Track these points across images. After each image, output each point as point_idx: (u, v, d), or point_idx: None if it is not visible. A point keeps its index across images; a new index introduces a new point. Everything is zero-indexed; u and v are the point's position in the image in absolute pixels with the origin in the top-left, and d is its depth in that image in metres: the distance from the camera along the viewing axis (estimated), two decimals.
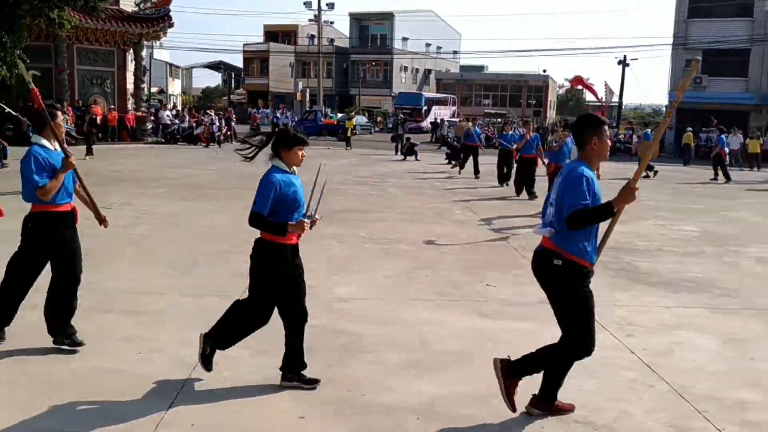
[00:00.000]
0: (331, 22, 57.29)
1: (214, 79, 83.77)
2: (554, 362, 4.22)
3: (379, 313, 6.25)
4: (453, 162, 23.13)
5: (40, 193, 4.71)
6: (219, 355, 5.01)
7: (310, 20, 53.13)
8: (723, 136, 22.70)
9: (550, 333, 5.79)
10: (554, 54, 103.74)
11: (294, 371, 4.54)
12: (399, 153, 27.65)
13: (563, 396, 4.36)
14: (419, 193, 15.78)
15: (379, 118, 57.78)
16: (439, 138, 39.25)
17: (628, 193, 3.87)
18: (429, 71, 71.21)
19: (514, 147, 16.74)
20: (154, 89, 58.72)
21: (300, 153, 4.60)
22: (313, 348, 5.25)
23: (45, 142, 4.90)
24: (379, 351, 5.27)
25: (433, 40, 70.18)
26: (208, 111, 38.44)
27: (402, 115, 40.64)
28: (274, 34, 68.53)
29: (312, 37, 62.47)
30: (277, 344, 5.28)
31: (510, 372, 4.25)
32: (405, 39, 65.16)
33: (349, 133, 32.84)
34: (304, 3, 50.02)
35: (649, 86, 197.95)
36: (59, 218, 4.91)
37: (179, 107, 51.65)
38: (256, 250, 4.52)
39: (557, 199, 4.00)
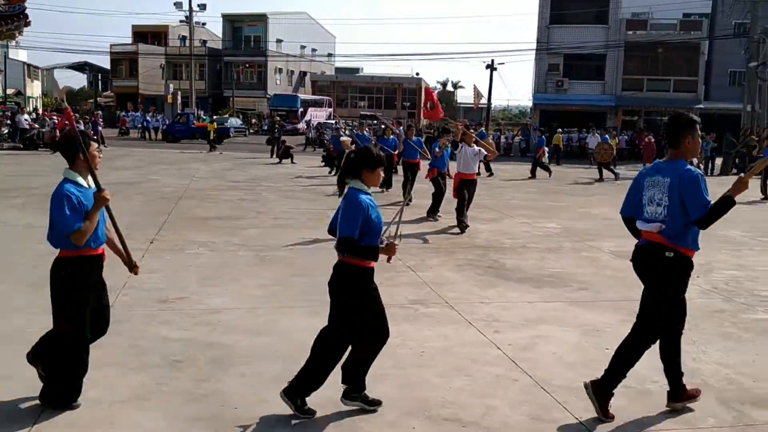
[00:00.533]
0: (203, 24, 55.97)
1: (80, 80, 79.81)
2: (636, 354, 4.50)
3: (254, 323, 6.19)
4: (328, 166, 23.16)
5: (75, 237, 4.14)
6: (88, 374, 4.82)
7: (181, 21, 51.57)
8: (543, 137, 25.57)
9: (423, 334, 5.99)
10: (427, 58, 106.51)
11: (360, 391, 4.42)
12: (274, 156, 27.43)
13: (424, 391, 4.49)
14: (295, 197, 15.73)
15: (253, 120, 57.01)
16: (313, 141, 39.20)
17: (742, 184, 4.19)
18: (304, 73, 71.02)
19: (396, 152, 16.83)
20: (9, 91, 55.16)
21: (381, 174, 4.38)
22: (182, 362, 5.15)
23: (79, 178, 4.37)
24: (254, 363, 5.22)
25: (308, 42, 70.05)
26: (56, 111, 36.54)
27: (278, 118, 40.29)
28: (143, 34, 66.09)
29: (183, 38, 60.81)
30: (143, 361, 5.15)
31: (602, 390, 4.44)
32: (279, 41, 64.67)
33: (211, 137, 32.41)
34: (175, 3, 48.53)
35: (516, 89, 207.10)
36: (94, 263, 4.37)
37: (39, 110, 48.69)
38: (341, 276, 4.29)
39: (673, 198, 4.23)
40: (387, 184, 16.88)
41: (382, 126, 21.50)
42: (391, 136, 18.04)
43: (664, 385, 4.65)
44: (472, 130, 12.59)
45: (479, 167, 15.41)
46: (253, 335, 5.84)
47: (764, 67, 31.93)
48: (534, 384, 4.96)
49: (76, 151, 4.33)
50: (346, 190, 4.34)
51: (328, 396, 4.43)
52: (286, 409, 4.33)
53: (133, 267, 4.73)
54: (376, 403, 4.44)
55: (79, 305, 4.24)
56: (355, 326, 4.30)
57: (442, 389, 4.72)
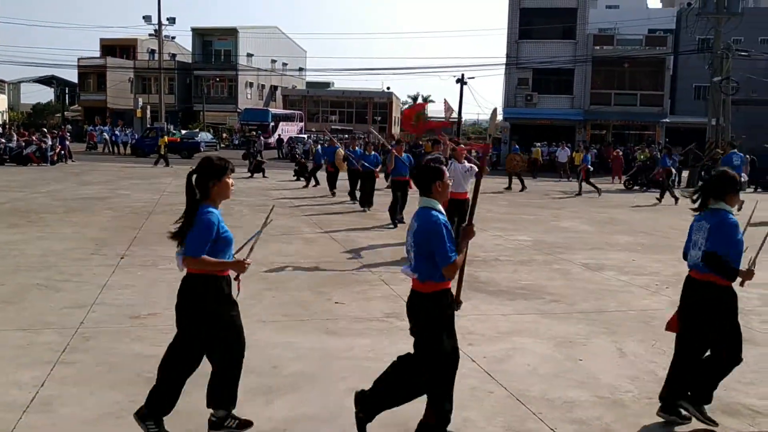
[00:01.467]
0: (173, 37, 55.57)
1: (46, 94, 78.72)
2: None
3: None
4: (302, 179, 23.16)
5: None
6: (56, 393, 4.75)
7: (150, 35, 51.23)
8: (516, 147, 26.38)
9: (398, 347, 5.97)
10: (398, 72, 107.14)
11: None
12: (247, 170, 27.31)
13: (408, 407, 4.48)
14: (267, 211, 15.61)
15: (224, 135, 56.71)
16: (287, 155, 39.17)
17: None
18: (275, 87, 70.94)
19: (378, 168, 16.50)
20: None
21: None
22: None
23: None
24: None
25: (279, 56, 70.04)
26: (43, 129, 35.81)
27: (255, 132, 40.09)
28: (111, 48, 65.47)
29: (152, 51, 60.37)
30: (116, 378, 5.07)
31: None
32: (250, 55, 64.55)
33: (162, 151, 31.69)
34: (144, 17, 48.26)
35: (486, 103, 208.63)
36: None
37: (6, 125, 47.90)
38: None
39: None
40: (367, 202, 16.36)
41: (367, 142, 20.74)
42: (372, 152, 17.57)
43: (637, 394, 4.71)
44: (462, 145, 11.62)
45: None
46: None
47: (727, 82, 32.64)
48: (509, 395, 4.98)
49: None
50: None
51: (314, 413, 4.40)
52: (264, 425, 4.30)
53: None
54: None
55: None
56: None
57: (418, 402, 4.69)
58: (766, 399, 5.03)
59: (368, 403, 4.18)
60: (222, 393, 4.11)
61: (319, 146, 27.18)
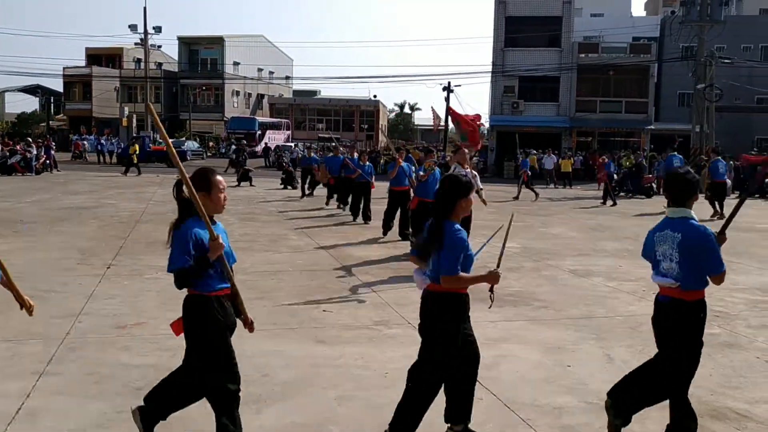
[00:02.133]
0: (159, 46, 55.42)
1: (31, 104, 78.22)
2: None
3: None
4: (289, 187, 23.08)
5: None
6: (42, 404, 4.71)
7: (136, 44, 51.10)
8: (526, 159, 25.31)
9: (386, 355, 5.97)
10: (385, 81, 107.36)
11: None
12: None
13: (390, 412, 4.47)
14: (254, 219, 15.62)
15: (211, 143, 56.56)
16: (274, 163, 39.16)
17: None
18: (262, 96, 70.89)
19: (372, 180, 15.64)
20: None
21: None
22: (143, 389, 5.04)
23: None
24: None
25: (265, 65, 70.05)
26: (28, 139, 35.43)
27: (245, 141, 40.00)
28: (97, 57, 65.25)
29: (138, 60, 60.15)
30: (102, 388, 5.03)
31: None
32: (236, 63, 64.52)
33: (135, 160, 31.19)
34: (129, 26, 48.16)
35: (473, 110, 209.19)
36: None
37: None
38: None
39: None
40: (366, 215, 15.56)
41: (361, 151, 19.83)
42: (367, 163, 16.64)
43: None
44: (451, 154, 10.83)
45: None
46: None
47: (711, 89, 32.98)
48: (499, 402, 4.98)
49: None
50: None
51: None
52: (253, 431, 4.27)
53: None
54: None
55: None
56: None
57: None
58: (752, 403, 5.07)
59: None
60: None
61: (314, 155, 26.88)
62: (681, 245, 4.02)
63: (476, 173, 9.78)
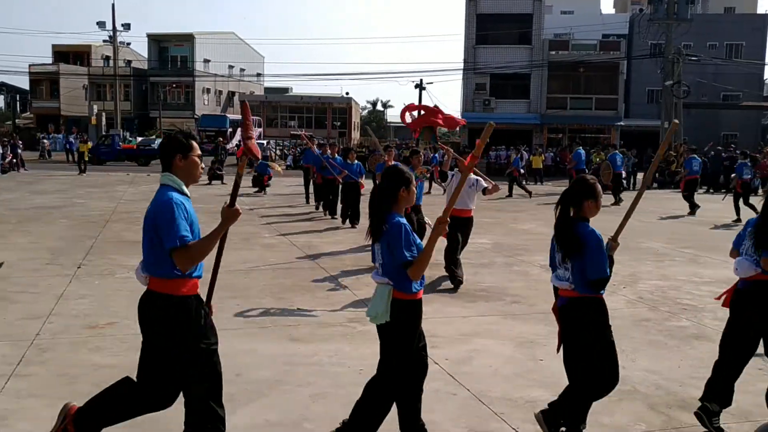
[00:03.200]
0: (128, 44, 54.80)
1: None
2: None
3: None
4: (258, 188, 22.68)
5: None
6: (12, 406, 4.65)
7: (104, 41, 50.47)
8: (518, 157, 25.10)
9: (360, 352, 5.99)
10: (357, 78, 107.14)
11: None
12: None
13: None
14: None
15: None
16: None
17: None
18: (233, 93, 70.40)
19: (360, 180, 14.56)
20: None
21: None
22: None
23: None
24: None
25: (236, 62, 69.57)
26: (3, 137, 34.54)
27: (221, 139, 39.58)
28: (64, 54, 64.23)
29: (107, 58, 59.43)
30: (74, 389, 4.98)
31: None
32: (207, 61, 63.99)
33: (86, 157, 30.56)
34: (98, 23, 47.59)
35: (445, 107, 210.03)
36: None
37: None
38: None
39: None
40: (354, 217, 14.41)
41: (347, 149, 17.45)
42: (356, 161, 15.25)
43: None
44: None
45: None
46: None
47: (679, 86, 33.49)
48: (472, 397, 5.03)
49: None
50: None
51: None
52: (227, 430, 4.26)
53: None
54: None
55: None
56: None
57: None
58: None
59: None
60: None
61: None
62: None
63: (478, 178, 8.76)
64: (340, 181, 14.87)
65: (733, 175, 17.91)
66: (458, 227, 8.57)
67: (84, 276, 8.92)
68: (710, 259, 11.09)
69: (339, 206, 15.30)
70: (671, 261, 11.09)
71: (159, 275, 3.55)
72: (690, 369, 5.74)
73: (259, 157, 4.13)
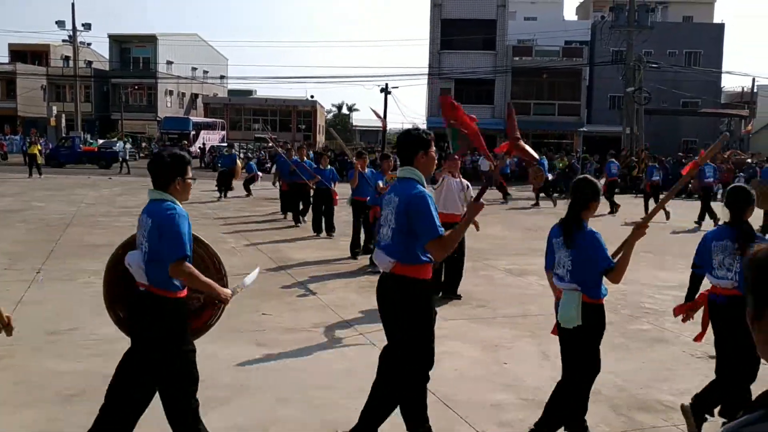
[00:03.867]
0: (89, 44, 53.90)
1: None
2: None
3: None
4: (221, 190, 22.25)
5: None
6: None
7: (64, 41, 49.57)
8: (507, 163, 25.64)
9: (326, 356, 5.98)
10: (322, 81, 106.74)
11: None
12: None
13: (331, 412, 4.49)
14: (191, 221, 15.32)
15: (143, 144, 55.32)
16: (209, 164, 38.67)
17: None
18: (196, 95, 69.69)
19: (334, 187, 13.64)
20: None
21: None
22: (77, 396, 4.93)
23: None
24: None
25: (200, 64, 68.88)
26: None
27: (186, 142, 39.19)
28: (21, 53, 62.88)
29: (67, 58, 58.39)
30: (34, 396, 4.89)
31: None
32: (170, 62, 63.23)
33: (38, 160, 29.14)
34: (57, 22, 46.70)
35: (410, 112, 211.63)
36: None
37: None
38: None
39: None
40: (329, 227, 13.63)
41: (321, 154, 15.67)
42: (329, 167, 14.23)
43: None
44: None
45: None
46: None
47: (640, 92, 34.13)
48: (438, 400, 5.05)
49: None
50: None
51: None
52: None
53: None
54: None
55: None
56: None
57: (348, 410, 4.73)
58: (678, 395, 5.27)
59: None
60: None
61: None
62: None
63: (468, 184, 8.62)
64: (312, 186, 13.99)
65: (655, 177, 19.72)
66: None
67: (44, 281, 8.75)
68: (671, 263, 11.31)
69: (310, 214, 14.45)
70: (634, 265, 11.22)
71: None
72: (651, 372, 5.85)
73: (537, 158, 4.35)
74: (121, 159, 34.61)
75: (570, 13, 66.64)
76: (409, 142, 4.00)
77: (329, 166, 14.23)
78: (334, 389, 5.22)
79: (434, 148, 4.05)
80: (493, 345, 6.50)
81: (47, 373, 5.41)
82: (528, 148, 4.55)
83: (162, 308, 3.62)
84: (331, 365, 5.78)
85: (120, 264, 3.77)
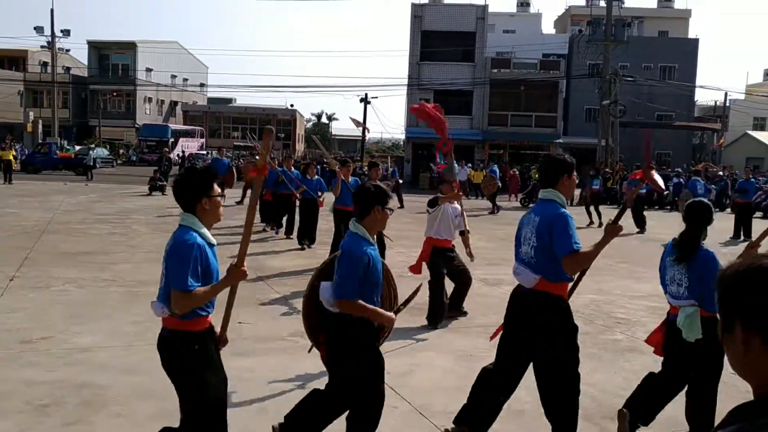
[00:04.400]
0: (67, 50, 53.50)
1: None
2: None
3: (127, 361, 5.97)
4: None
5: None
6: None
7: (42, 46, 49.20)
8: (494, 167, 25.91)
9: (302, 366, 5.99)
10: (302, 90, 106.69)
11: None
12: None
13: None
14: (166, 230, 15.21)
15: (121, 151, 54.92)
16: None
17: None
18: (175, 103, 69.39)
19: (320, 197, 13.47)
20: None
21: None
22: (49, 406, 4.90)
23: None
24: (128, 402, 5.05)
25: (179, 72, 68.64)
26: None
27: (167, 149, 38.83)
28: None
29: (45, 64, 57.86)
30: (4, 406, 4.85)
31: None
32: (149, 70, 62.94)
33: (14, 166, 28.86)
34: (35, 28, 46.36)
35: (389, 122, 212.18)
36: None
37: None
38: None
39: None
40: (308, 236, 13.43)
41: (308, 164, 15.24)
42: (316, 177, 14.05)
43: (535, 405, 4.91)
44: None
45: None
46: (127, 374, 5.64)
47: (615, 105, 34.57)
48: (413, 410, 5.10)
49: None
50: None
51: None
52: None
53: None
54: None
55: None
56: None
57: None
58: None
59: None
60: None
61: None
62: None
63: (461, 210, 8.47)
64: (298, 197, 13.76)
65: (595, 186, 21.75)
66: (441, 259, 8.10)
67: (17, 289, 8.66)
68: (644, 274, 11.46)
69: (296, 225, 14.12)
70: (607, 275, 11.41)
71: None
72: (623, 381, 5.93)
73: (662, 188, 4.39)
74: (86, 164, 34.57)
75: (548, 27, 67.32)
76: (555, 166, 4.23)
77: (316, 177, 14.07)
78: None
79: (576, 173, 4.27)
80: (468, 355, 6.55)
81: (20, 382, 5.37)
82: (657, 176, 4.79)
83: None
84: (309, 374, 5.80)
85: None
